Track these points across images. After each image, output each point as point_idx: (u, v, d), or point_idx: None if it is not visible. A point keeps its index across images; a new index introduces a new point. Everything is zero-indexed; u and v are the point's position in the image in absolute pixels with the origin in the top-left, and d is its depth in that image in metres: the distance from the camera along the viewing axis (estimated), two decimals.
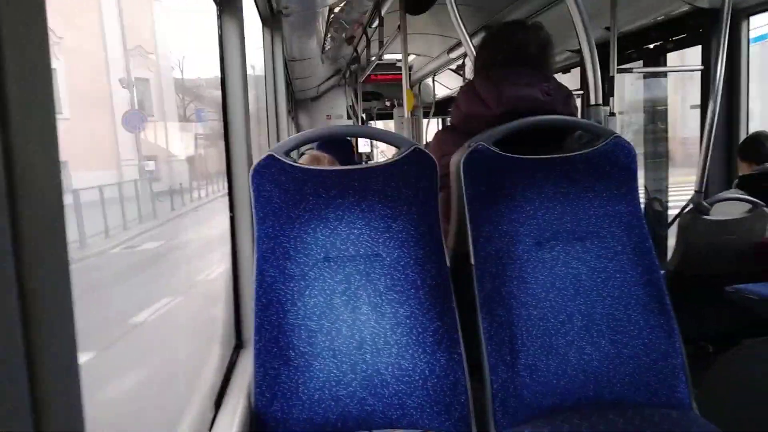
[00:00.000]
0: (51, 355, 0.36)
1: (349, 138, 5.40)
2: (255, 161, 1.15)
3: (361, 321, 1.13)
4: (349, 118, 7.14)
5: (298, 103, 6.96)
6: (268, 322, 1.11)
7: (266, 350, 1.09)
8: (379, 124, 8.29)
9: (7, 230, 0.33)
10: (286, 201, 1.14)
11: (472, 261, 1.18)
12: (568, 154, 1.26)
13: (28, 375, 0.34)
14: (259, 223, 1.14)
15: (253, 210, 1.14)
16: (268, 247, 1.13)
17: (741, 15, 2.74)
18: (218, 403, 1.10)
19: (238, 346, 1.38)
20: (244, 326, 1.38)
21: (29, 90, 0.35)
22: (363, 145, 5.58)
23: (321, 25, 3.46)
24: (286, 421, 1.08)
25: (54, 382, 0.36)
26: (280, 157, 1.14)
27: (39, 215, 0.36)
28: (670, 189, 3.59)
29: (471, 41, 2.14)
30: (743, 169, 2.64)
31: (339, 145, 4.86)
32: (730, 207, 2.32)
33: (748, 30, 2.79)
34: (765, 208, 2.26)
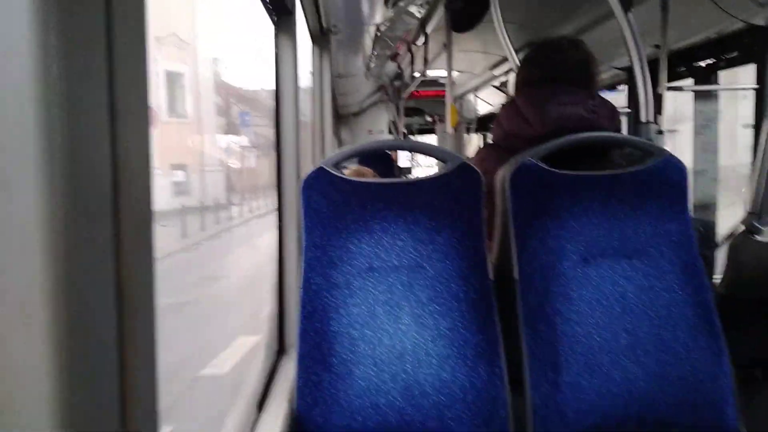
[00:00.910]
0: (138, 343, 0.39)
1: (389, 152, 5.45)
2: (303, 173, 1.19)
3: (403, 331, 1.15)
4: (390, 133, 7.21)
5: (340, 118, 7.09)
6: (312, 329, 1.13)
7: (309, 356, 1.12)
8: (421, 139, 8.33)
9: (109, 230, 0.37)
10: (334, 212, 1.17)
11: (516, 276, 1.18)
12: (616, 172, 1.25)
13: (119, 361, 0.38)
14: (307, 232, 1.17)
15: (302, 219, 1.17)
16: (315, 256, 1.17)
17: None
18: (260, 405, 1.13)
19: (281, 351, 1.41)
20: (287, 333, 1.42)
21: (131, 96, 0.39)
22: (403, 161, 5.62)
23: (367, 43, 3.53)
24: (326, 427, 1.10)
25: (138, 365, 0.40)
26: (330, 170, 1.18)
27: (135, 215, 0.39)
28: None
29: (517, 58, 2.15)
30: None
31: (380, 159, 4.91)
32: None
33: None
34: None
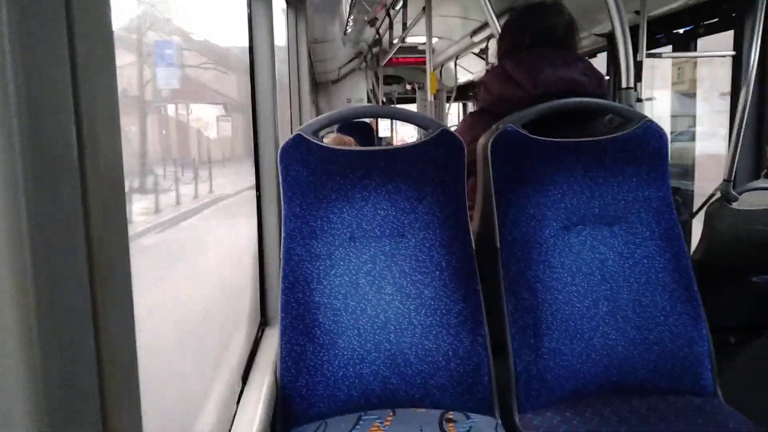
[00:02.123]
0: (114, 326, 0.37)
1: (368, 122, 5.39)
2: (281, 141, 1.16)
3: (386, 301, 1.14)
4: (369, 102, 7.12)
5: (318, 86, 6.96)
6: (294, 300, 1.12)
7: (292, 327, 1.11)
8: (400, 108, 8.25)
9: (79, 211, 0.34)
10: (314, 181, 1.15)
11: (498, 244, 1.18)
12: (597, 138, 1.24)
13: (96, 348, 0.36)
14: (286, 202, 1.15)
15: (281, 189, 1.15)
16: (295, 227, 1.14)
17: None
18: (245, 378, 1.12)
19: (263, 323, 1.40)
20: (269, 304, 1.40)
21: (95, 82, 0.36)
22: (383, 130, 5.57)
23: (344, 7, 3.44)
24: (310, 397, 1.10)
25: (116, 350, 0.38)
26: (308, 137, 1.15)
27: (104, 198, 0.37)
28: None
29: (498, 23, 2.11)
30: None
31: (360, 128, 4.85)
32: (758, 197, 2.27)
33: None
34: None
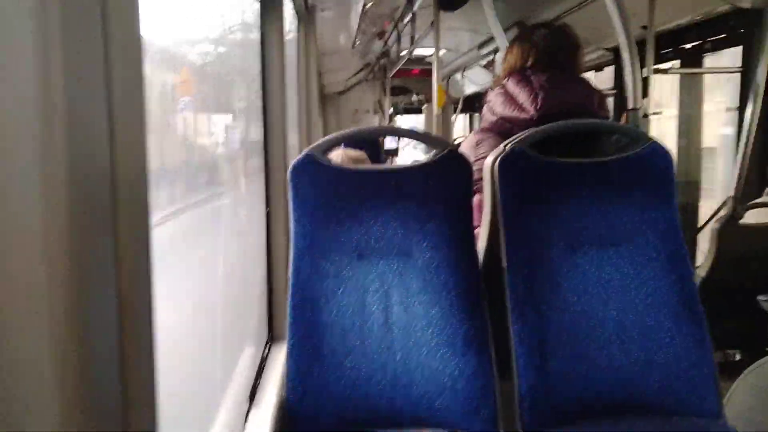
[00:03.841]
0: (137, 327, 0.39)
1: None
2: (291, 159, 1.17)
3: (393, 321, 1.15)
4: (375, 112, 7.14)
5: (325, 97, 7.00)
6: (302, 319, 1.13)
7: (299, 347, 1.12)
8: (407, 119, 8.27)
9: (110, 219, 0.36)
10: (322, 200, 1.16)
11: (504, 264, 1.19)
12: (604, 159, 1.25)
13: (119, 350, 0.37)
14: (295, 220, 1.16)
15: (290, 208, 1.16)
16: (304, 245, 1.16)
17: None
18: (252, 396, 1.13)
19: (270, 340, 1.41)
20: (276, 322, 1.41)
21: (127, 98, 0.38)
22: (389, 142, 5.58)
23: (353, 20, 3.47)
24: (317, 416, 1.10)
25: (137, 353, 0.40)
26: (318, 157, 1.16)
27: (133, 218, 0.39)
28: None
29: (505, 38, 2.13)
30: None
31: (367, 141, 4.87)
32: (765, 213, 2.27)
33: None
34: None
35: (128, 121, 0.38)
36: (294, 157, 1.17)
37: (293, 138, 2.82)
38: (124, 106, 0.37)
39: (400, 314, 1.16)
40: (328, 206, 1.17)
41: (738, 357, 2.40)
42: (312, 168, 1.16)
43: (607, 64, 3.90)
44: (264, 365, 1.27)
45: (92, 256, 0.34)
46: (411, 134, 1.39)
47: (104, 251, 0.36)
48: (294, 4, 2.39)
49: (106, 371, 0.36)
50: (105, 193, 0.36)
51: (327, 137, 1.20)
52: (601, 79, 4.16)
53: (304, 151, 1.17)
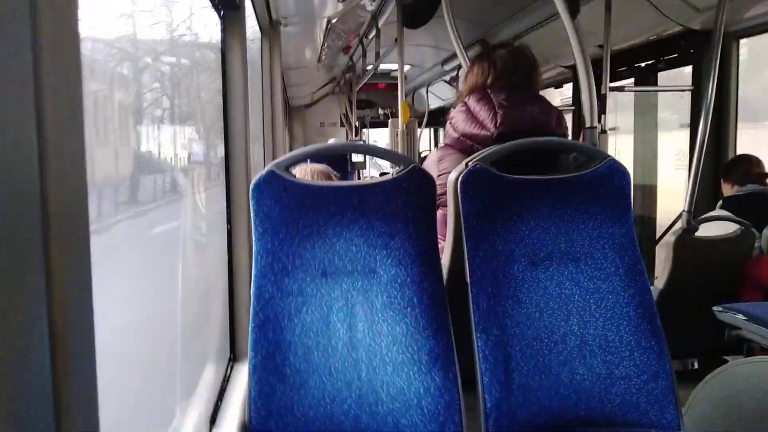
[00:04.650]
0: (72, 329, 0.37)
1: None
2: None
3: (357, 339, 1.14)
4: (342, 126, 7.15)
5: (291, 110, 6.97)
6: (264, 339, 1.11)
7: (262, 367, 1.10)
8: (373, 132, 8.31)
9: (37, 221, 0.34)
10: (286, 216, 1.15)
11: (468, 280, 1.20)
12: (563, 176, 1.28)
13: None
14: (257, 238, 1.14)
15: (253, 225, 1.14)
16: (266, 263, 1.14)
17: (732, 37, 2.80)
18: (213, 419, 1.10)
19: (232, 359, 1.38)
20: (238, 340, 1.38)
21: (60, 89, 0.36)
22: (356, 156, 5.60)
23: (318, 35, 3.47)
24: None
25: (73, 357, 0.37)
26: (281, 173, 1.15)
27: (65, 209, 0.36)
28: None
29: (467, 54, 2.17)
30: (726, 190, 2.70)
31: (334, 155, 4.85)
32: (716, 227, 2.36)
33: (738, 52, 2.85)
34: (752, 229, 2.30)
35: (63, 126, 0.36)
36: (258, 172, 1.15)
37: (257, 152, 2.80)
38: (56, 109, 0.35)
39: (365, 332, 1.15)
40: (291, 223, 1.15)
41: (696, 365, 2.47)
42: (274, 184, 1.15)
43: (566, 81, 4.01)
44: (226, 386, 1.24)
45: (18, 273, 0.32)
46: (374, 152, 1.40)
47: (32, 266, 0.33)
48: (257, 18, 2.38)
49: (37, 392, 0.34)
50: (34, 199, 0.34)
51: (290, 153, 1.19)
52: (563, 95, 4.27)
53: (267, 167, 1.16)
